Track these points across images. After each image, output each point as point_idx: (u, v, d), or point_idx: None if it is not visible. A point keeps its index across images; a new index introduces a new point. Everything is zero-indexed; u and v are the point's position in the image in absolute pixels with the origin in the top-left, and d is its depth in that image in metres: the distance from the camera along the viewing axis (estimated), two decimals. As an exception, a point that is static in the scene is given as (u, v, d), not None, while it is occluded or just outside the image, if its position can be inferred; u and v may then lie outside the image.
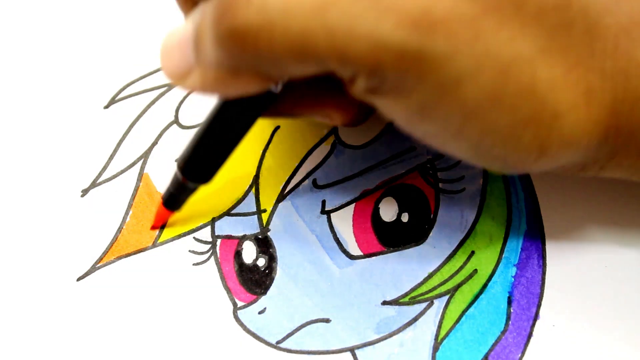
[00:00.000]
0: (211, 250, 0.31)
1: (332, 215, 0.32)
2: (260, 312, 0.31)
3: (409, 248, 0.31)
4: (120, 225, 0.32)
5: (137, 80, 0.33)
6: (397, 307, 0.31)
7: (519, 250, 0.31)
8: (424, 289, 0.31)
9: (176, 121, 0.33)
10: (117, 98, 0.33)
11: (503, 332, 0.30)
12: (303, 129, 0.32)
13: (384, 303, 0.31)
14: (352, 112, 0.26)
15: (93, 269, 0.32)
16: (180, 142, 0.32)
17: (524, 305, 0.30)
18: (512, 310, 0.30)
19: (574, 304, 0.30)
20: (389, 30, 0.19)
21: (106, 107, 0.33)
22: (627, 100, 0.23)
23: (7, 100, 0.33)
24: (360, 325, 0.31)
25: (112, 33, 0.34)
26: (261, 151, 0.32)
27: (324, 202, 0.32)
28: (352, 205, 0.32)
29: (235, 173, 0.32)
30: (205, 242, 0.32)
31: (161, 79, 0.33)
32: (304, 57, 0.20)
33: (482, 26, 0.20)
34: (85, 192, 0.32)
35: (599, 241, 0.31)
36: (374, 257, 0.31)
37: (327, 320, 0.31)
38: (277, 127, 0.32)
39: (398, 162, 0.32)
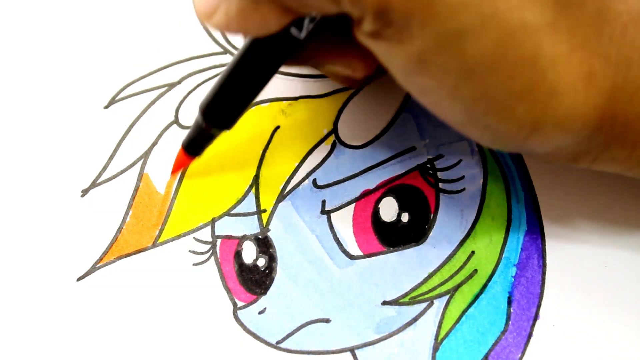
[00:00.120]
0: (211, 250, 0.31)
1: (332, 215, 0.32)
2: (260, 312, 0.31)
3: (409, 248, 0.31)
4: (120, 225, 0.32)
5: (137, 80, 0.33)
6: (397, 307, 0.31)
7: (519, 250, 0.31)
8: (424, 289, 0.31)
9: (176, 121, 0.33)
10: (117, 98, 0.33)
11: (503, 332, 0.30)
12: (303, 130, 0.32)
13: (384, 303, 0.31)
14: (373, 63, 0.26)
15: (93, 269, 0.31)
16: (180, 142, 0.32)
17: (524, 305, 0.30)
18: (512, 310, 0.30)
19: (574, 304, 0.30)
20: None
21: (106, 107, 0.33)
22: (627, 89, 0.23)
23: (7, 100, 0.33)
24: (360, 325, 0.31)
25: (112, 33, 0.34)
26: (261, 151, 0.32)
27: (324, 202, 0.32)
28: (352, 205, 0.32)
29: (235, 173, 0.32)
30: (205, 242, 0.32)
31: (161, 79, 0.33)
32: None
33: None
34: (85, 192, 0.32)
35: (599, 241, 0.31)
36: (374, 257, 0.31)
37: (327, 320, 0.31)
38: (277, 127, 0.32)
39: (398, 162, 0.32)
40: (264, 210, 0.32)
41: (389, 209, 0.31)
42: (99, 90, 0.33)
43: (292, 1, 0.22)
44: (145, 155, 0.32)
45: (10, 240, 0.32)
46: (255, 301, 0.31)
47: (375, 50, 0.23)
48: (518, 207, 0.31)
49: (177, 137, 0.33)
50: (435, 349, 0.30)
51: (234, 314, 0.31)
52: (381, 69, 0.26)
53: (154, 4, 0.34)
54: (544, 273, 0.31)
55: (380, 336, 0.30)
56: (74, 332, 0.31)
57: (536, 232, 0.31)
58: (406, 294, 0.31)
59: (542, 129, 0.22)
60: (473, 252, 0.31)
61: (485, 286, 0.31)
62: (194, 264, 0.31)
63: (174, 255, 0.31)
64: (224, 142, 0.32)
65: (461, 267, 0.31)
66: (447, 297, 0.31)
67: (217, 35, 0.33)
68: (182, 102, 0.33)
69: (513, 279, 0.31)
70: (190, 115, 0.33)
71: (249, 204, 0.32)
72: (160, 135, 0.33)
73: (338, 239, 0.31)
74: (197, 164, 0.32)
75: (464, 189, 0.31)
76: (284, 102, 0.33)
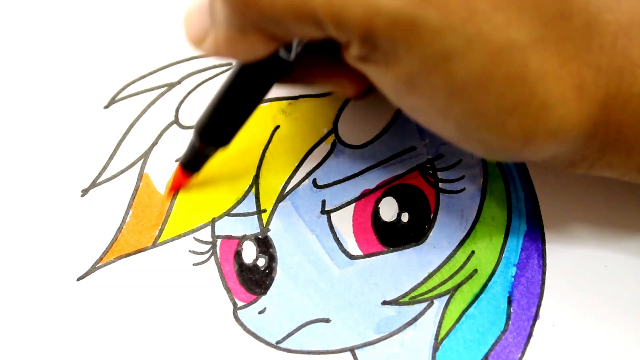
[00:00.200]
0: (211, 250, 0.31)
1: (332, 215, 0.32)
2: (260, 312, 0.31)
3: (409, 248, 0.31)
4: (120, 225, 0.32)
5: (137, 80, 0.33)
6: (397, 307, 0.31)
7: (519, 250, 0.31)
8: (424, 288, 0.31)
9: (176, 121, 0.33)
10: (117, 98, 0.33)
11: (503, 332, 0.30)
12: (303, 129, 0.32)
13: (384, 303, 0.31)
14: (364, 83, 0.27)
15: (93, 269, 0.32)
16: (180, 142, 0.32)
17: (524, 305, 0.30)
18: (512, 310, 0.30)
19: (574, 304, 0.30)
20: None
21: (106, 107, 0.33)
22: (620, 98, 0.23)
23: (7, 100, 0.33)
24: (360, 325, 0.31)
25: (112, 33, 0.34)
26: (261, 151, 0.32)
27: (324, 202, 0.32)
28: (352, 205, 0.32)
29: (235, 173, 0.32)
30: (206, 242, 0.32)
31: (161, 79, 0.33)
32: (302, 17, 0.21)
33: (478, 7, 0.20)
34: (85, 192, 0.32)
35: (599, 241, 0.31)
36: (374, 257, 0.31)
37: (327, 320, 0.31)
38: (277, 127, 0.32)
39: (398, 162, 0.32)
40: (264, 210, 0.32)
41: (389, 208, 0.31)
42: (99, 90, 0.33)
43: (278, 29, 0.22)
44: (145, 155, 0.32)
45: (10, 240, 0.32)
46: (255, 301, 0.31)
47: (365, 72, 0.23)
48: (518, 207, 0.31)
49: (177, 137, 0.33)
50: (435, 348, 0.30)
51: (234, 313, 0.31)
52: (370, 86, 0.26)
53: (154, 4, 0.34)
54: (544, 273, 0.31)
55: (380, 336, 0.30)
56: (74, 332, 0.31)
57: (536, 232, 0.31)
58: (406, 294, 0.31)
59: (535, 141, 0.23)
60: (473, 252, 0.31)
61: (485, 286, 0.31)
62: (194, 264, 0.31)
63: (174, 255, 0.31)
64: (224, 142, 0.32)
65: (461, 267, 0.31)
66: (447, 297, 0.31)
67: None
68: (182, 102, 0.33)
69: (513, 279, 0.31)
70: (191, 115, 0.33)
71: (249, 204, 0.32)
72: (160, 135, 0.33)
73: (338, 238, 0.31)
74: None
75: (464, 189, 0.31)
76: (284, 101, 0.33)
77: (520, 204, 0.31)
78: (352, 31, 0.21)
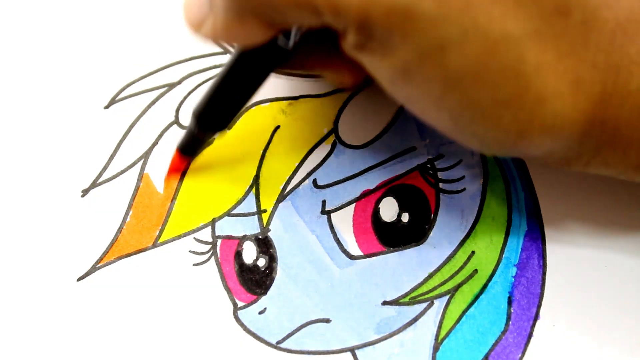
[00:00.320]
0: (211, 251, 0.31)
1: (332, 215, 0.32)
2: (260, 312, 0.31)
3: (409, 248, 0.31)
4: (121, 225, 0.32)
5: (137, 80, 0.33)
6: (397, 307, 0.31)
7: (519, 250, 0.31)
8: (424, 289, 0.31)
9: (176, 121, 0.33)
10: (117, 98, 0.33)
11: (503, 332, 0.30)
12: (303, 129, 0.32)
13: (384, 303, 0.31)
14: (362, 72, 0.27)
15: (93, 269, 0.32)
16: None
17: (524, 305, 0.30)
18: (512, 311, 0.30)
19: (574, 304, 0.30)
20: None
21: (106, 107, 0.33)
22: (616, 95, 0.23)
23: (7, 100, 0.33)
24: (361, 325, 0.31)
25: (112, 33, 0.34)
26: (261, 151, 0.32)
27: (324, 202, 0.32)
28: (352, 205, 0.32)
29: (235, 173, 0.32)
30: (206, 243, 0.32)
31: (161, 79, 0.33)
32: (300, 5, 0.21)
33: None
34: (85, 192, 0.32)
35: (599, 241, 0.31)
36: (374, 257, 0.31)
37: (327, 321, 0.31)
38: (277, 127, 0.32)
39: (398, 162, 0.32)
40: (264, 211, 0.32)
41: (389, 209, 0.31)
42: (99, 90, 0.33)
43: (275, 15, 0.22)
44: (146, 155, 0.32)
45: (10, 240, 0.32)
46: (255, 301, 0.31)
47: (361, 61, 0.23)
48: (518, 207, 0.31)
49: (177, 137, 0.32)
50: (436, 349, 0.30)
51: (234, 314, 0.31)
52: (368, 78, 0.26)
53: (154, 4, 0.34)
54: (544, 273, 0.31)
55: (380, 336, 0.30)
56: (74, 332, 0.31)
57: (536, 232, 0.31)
58: (406, 294, 0.31)
59: (529, 135, 0.23)
60: (473, 252, 0.31)
61: (485, 286, 0.31)
62: (194, 264, 0.31)
63: (174, 256, 0.31)
64: (224, 142, 0.32)
65: (461, 267, 0.31)
66: (447, 297, 0.31)
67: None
68: (182, 102, 0.33)
69: (513, 279, 0.31)
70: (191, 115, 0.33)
71: (249, 204, 0.32)
72: (160, 135, 0.33)
73: (338, 239, 0.31)
74: (197, 164, 0.32)
75: (464, 189, 0.31)
76: (284, 101, 0.33)
77: (520, 204, 0.31)
78: (348, 19, 0.21)
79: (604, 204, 0.31)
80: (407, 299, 0.31)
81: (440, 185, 0.31)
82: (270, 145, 0.32)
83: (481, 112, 0.22)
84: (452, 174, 0.32)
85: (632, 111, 0.23)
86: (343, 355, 0.30)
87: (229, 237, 0.32)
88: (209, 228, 0.32)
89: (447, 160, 0.32)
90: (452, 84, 0.21)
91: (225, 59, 0.33)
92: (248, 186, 0.32)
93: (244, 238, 0.32)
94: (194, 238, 0.32)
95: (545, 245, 0.31)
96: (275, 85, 0.33)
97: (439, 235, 0.31)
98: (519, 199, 0.31)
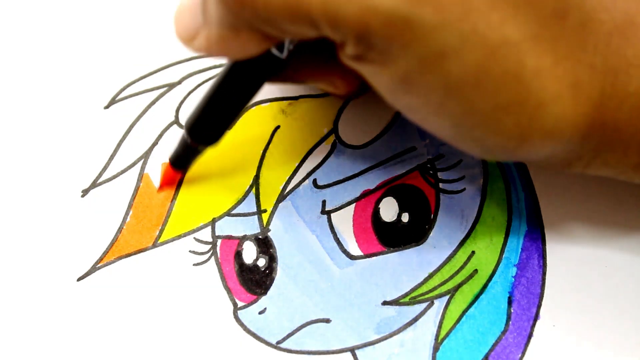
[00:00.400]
0: (211, 251, 0.31)
1: (332, 215, 0.32)
2: (260, 312, 0.31)
3: (409, 248, 0.31)
4: (121, 225, 0.32)
5: (137, 80, 0.33)
6: (397, 307, 0.31)
7: (519, 250, 0.31)
8: (424, 289, 0.31)
9: (176, 121, 0.33)
10: (117, 98, 0.33)
11: (503, 332, 0.30)
12: (303, 129, 0.32)
13: (384, 303, 0.31)
14: (355, 82, 0.27)
15: (93, 269, 0.31)
16: (180, 142, 0.32)
17: (524, 305, 0.30)
18: (512, 310, 0.30)
19: (574, 304, 0.30)
20: None
21: (106, 107, 0.33)
22: (615, 97, 0.23)
23: (8, 100, 0.33)
24: (361, 325, 0.31)
25: (112, 33, 0.34)
26: (261, 151, 0.32)
27: (324, 202, 0.32)
28: (352, 205, 0.32)
29: (236, 173, 0.32)
30: (206, 243, 0.32)
31: (161, 79, 0.33)
32: (297, 17, 0.21)
33: (473, 5, 0.20)
34: (85, 192, 0.32)
35: (599, 241, 0.31)
36: (374, 257, 0.31)
37: (327, 320, 0.31)
38: (277, 127, 0.32)
39: (398, 162, 0.32)
40: (264, 211, 0.32)
41: (389, 209, 0.31)
42: (99, 90, 0.33)
43: (272, 29, 0.22)
44: (146, 155, 0.32)
45: (10, 240, 0.32)
46: (255, 301, 0.31)
47: (360, 71, 0.23)
48: (518, 207, 0.31)
49: (177, 137, 0.32)
50: (436, 349, 0.30)
51: (234, 314, 0.31)
52: (368, 84, 0.26)
53: (154, 4, 0.34)
54: (544, 273, 0.31)
55: (380, 336, 0.30)
56: (74, 332, 0.31)
57: (536, 233, 0.31)
58: (406, 294, 0.31)
59: (530, 140, 0.23)
60: (473, 252, 0.31)
61: (485, 286, 0.31)
62: (194, 264, 0.31)
63: (174, 256, 0.31)
64: (224, 142, 0.32)
65: (461, 267, 0.31)
66: (447, 297, 0.31)
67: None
68: (182, 102, 0.33)
69: (513, 279, 0.31)
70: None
71: (249, 204, 0.32)
72: (160, 135, 0.33)
73: (338, 239, 0.31)
74: (197, 164, 0.32)
75: (464, 189, 0.31)
76: (284, 101, 0.33)
77: (520, 204, 0.31)
78: (347, 31, 0.21)
79: (604, 204, 0.31)
80: (407, 299, 0.31)
81: (440, 185, 0.31)
82: (270, 145, 0.32)
83: (482, 118, 0.22)
84: (452, 174, 0.32)
85: (631, 112, 0.23)
86: (343, 355, 0.30)
87: (229, 237, 0.32)
88: (209, 228, 0.32)
89: (447, 160, 0.32)
90: (453, 91, 0.21)
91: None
92: (248, 186, 0.32)
93: (244, 238, 0.32)
94: (194, 238, 0.32)
95: (545, 245, 0.31)
96: (275, 85, 0.33)
97: (439, 235, 0.31)
98: (519, 199, 0.31)
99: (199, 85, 0.33)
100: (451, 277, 0.31)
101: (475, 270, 0.31)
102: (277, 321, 0.31)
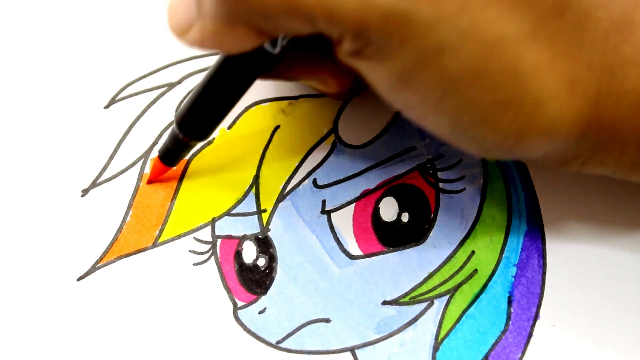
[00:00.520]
0: (211, 250, 0.31)
1: (332, 215, 0.32)
2: (260, 312, 0.31)
3: (409, 248, 0.31)
4: (121, 225, 0.32)
5: (137, 80, 0.33)
6: (397, 307, 0.31)
7: (519, 250, 0.31)
8: (424, 288, 0.31)
9: (176, 121, 0.33)
10: (117, 98, 0.33)
11: (503, 332, 0.30)
12: (303, 129, 0.32)
13: (384, 303, 0.31)
14: (347, 81, 0.27)
15: (93, 269, 0.31)
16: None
17: (524, 305, 0.30)
18: (512, 310, 0.30)
19: (574, 304, 0.30)
20: None
21: (106, 107, 0.33)
22: (612, 95, 0.23)
23: (8, 100, 0.33)
24: (361, 325, 0.31)
25: (112, 33, 0.34)
26: (261, 151, 0.32)
27: (324, 202, 0.32)
28: (352, 205, 0.32)
29: (236, 173, 0.32)
30: (206, 242, 0.32)
31: (161, 79, 0.33)
32: (294, 13, 0.21)
33: (470, 0, 0.20)
34: (85, 192, 0.32)
35: (599, 241, 0.31)
36: (374, 257, 0.31)
37: (327, 320, 0.31)
38: (277, 127, 0.32)
39: (398, 162, 0.32)
40: (264, 210, 0.32)
41: (389, 208, 0.31)
42: (99, 90, 0.33)
43: (267, 23, 0.22)
44: (145, 155, 0.32)
45: (10, 240, 0.32)
46: (255, 301, 0.31)
47: (358, 68, 0.23)
48: (518, 207, 0.31)
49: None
50: (436, 348, 0.30)
51: (234, 313, 0.31)
52: (360, 85, 0.26)
53: (154, 4, 0.34)
54: (544, 273, 0.31)
55: (380, 336, 0.30)
56: (74, 332, 0.31)
57: (536, 232, 0.31)
58: (406, 294, 0.31)
59: (528, 138, 0.23)
60: (473, 252, 0.31)
61: (485, 286, 0.31)
62: (194, 264, 0.31)
63: (174, 255, 0.31)
64: (224, 142, 0.32)
65: (461, 267, 0.31)
66: (447, 297, 0.31)
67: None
68: (182, 102, 0.33)
69: (513, 279, 0.31)
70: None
71: (249, 204, 0.32)
72: (160, 135, 0.33)
73: (338, 238, 0.31)
74: (197, 164, 0.32)
75: (464, 189, 0.31)
76: (284, 101, 0.33)
77: (520, 204, 0.31)
78: (344, 27, 0.21)
79: (604, 204, 0.31)
80: (407, 299, 0.31)
81: (440, 185, 0.32)
82: (270, 145, 0.32)
83: (480, 115, 0.22)
84: (452, 174, 0.32)
85: (628, 111, 0.23)
86: (343, 355, 0.30)
87: (229, 237, 0.32)
88: (209, 228, 0.32)
89: (447, 160, 0.32)
90: (451, 88, 0.21)
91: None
92: (248, 186, 0.32)
93: (244, 238, 0.32)
94: (194, 238, 0.32)
95: (545, 245, 0.31)
96: (275, 85, 0.33)
97: (439, 235, 0.31)
98: (519, 198, 0.31)
99: (199, 85, 0.33)
100: (451, 277, 0.31)
101: (475, 270, 0.31)
102: (277, 321, 0.31)
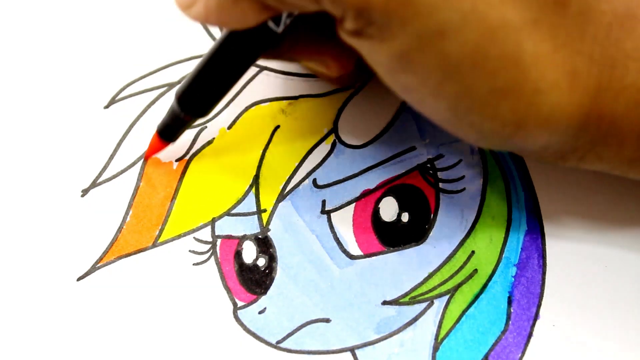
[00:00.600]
0: (211, 250, 0.31)
1: (332, 215, 0.32)
2: (260, 312, 0.31)
3: (409, 248, 0.31)
4: (121, 225, 0.32)
5: (137, 80, 0.33)
6: (397, 307, 0.31)
7: (519, 250, 0.31)
8: (424, 288, 0.31)
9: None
10: (117, 98, 0.33)
11: (503, 332, 0.30)
12: (303, 129, 0.32)
13: (384, 303, 0.31)
14: (349, 64, 0.27)
15: (93, 269, 0.31)
16: (180, 141, 0.32)
17: (524, 305, 0.30)
18: (512, 310, 0.30)
19: (574, 304, 0.30)
20: None
21: (106, 107, 0.33)
22: (612, 89, 0.23)
23: (8, 100, 0.33)
24: (360, 325, 0.31)
25: (112, 33, 0.34)
26: (261, 151, 0.32)
27: (324, 202, 0.32)
28: (352, 205, 0.32)
29: (235, 173, 0.32)
30: (206, 242, 0.31)
31: (161, 79, 0.33)
32: None
33: None
34: (85, 192, 0.32)
35: (599, 241, 0.31)
36: (374, 257, 0.31)
37: (327, 320, 0.31)
38: (277, 127, 0.32)
39: (398, 162, 0.32)
40: (264, 210, 0.32)
41: (389, 208, 0.31)
42: (99, 90, 0.33)
43: (274, 1, 0.22)
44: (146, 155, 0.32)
45: (10, 240, 0.32)
46: (255, 301, 0.31)
47: (359, 48, 0.23)
48: (518, 207, 0.31)
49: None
50: (436, 348, 0.30)
51: (234, 313, 0.31)
52: (365, 72, 0.26)
53: (154, 4, 0.34)
54: (544, 273, 0.31)
55: (380, 336, 0.30)
56: (74, 332, 0.31)
57: (536, 232, 0.31)
58: (406, 294, 0.31)
59: (526, 127, 0.22)
60: (473, 252, 0.31)
61: (485, 286, 0.31)
62: (194, 264, 0.31)
63: (174, 255, 0.31)
64: (224, 142, 0.32)
65: (461, 267, 0.31)
66: (447, 297, 0.31)
67: (217, 33, 0.33)
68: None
69: (513, 279, 0.31)
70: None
71: (249, 204, 0.32)
72: (160, 135, 0.33)
73: (338, 238, 0.31)
74: (197, 164, 0.32)
75: (464, 189, 0.31)
76: (284, 101, 0.33)
77: (520, 203, 0.31)
78: (347, 5, 0.21)
79: (604, 203, 0.31)
80: (407, 299, 0.31)
81: (440, 185, 0.31)
82: (270, 145, 0.32)
83: (479, 101, 0.22)
84: (452, 173, 0.32)
85: (627, 106, 0.23)
86: (343, 355, 0.30)
87: (229, 237, 0.32)
88: (209, 228, 0.32)
89: (447, 160, 0.32)
90: (451, 71, 0.21)
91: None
92: (248, 186, 0.32)
93: (244, 238, 0.32)
94: (194, 238, 0.32)
95: (545, 244, 0.31)
96: (275, 85, 0.33)
97: (439, 235, 0.31)
98: (519, 198, 0.31)
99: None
100: (451, 277, 0.31)
101: (475, 270, 0.31)
102: (277, 321, 0.31)
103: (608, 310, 0.30)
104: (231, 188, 0.32)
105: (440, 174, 0.32)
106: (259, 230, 0.31)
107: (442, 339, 0.30)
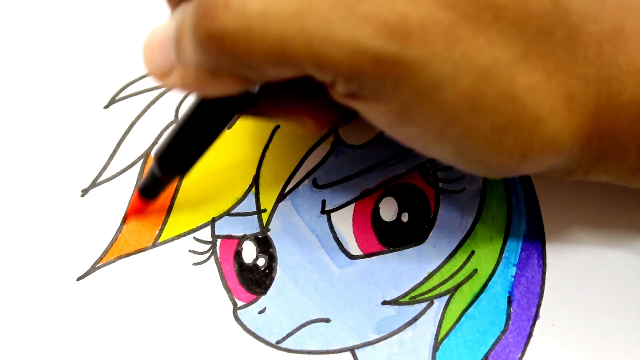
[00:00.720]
0: (211, 250, 0.31)
1: (332, 215, 0.32)
2: (260, 312, 0.31)
3: (409, 248, 0.31)
4: (121, 225, 0.32)
5: (137, 80, 0.33)
6: (397, 307, 0.31)
7: (519, 250, 0.31)
8: (424, 288, 0.31)
9: (176, 121, 0.33)
10: (117, 98, 0.33)
11: (503, 332, 0.30)
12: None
13: (384, 303, 0.31)
14: (326, 122, 0.27)
15: (93, 268, 0.32)
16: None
17: (524, 305, 0.30)
18: (512, 310, 0.30)
19: (574, 304, 0.30)
20: (366, 36, 0.20)
21: (106, 107, 0.33)
22: (611, 106, 0.23)
23: (8, 100, 0.33)
24: (360, 325, 0.31)
25: (112, 33, 0.34)
26: (261, 151, 0.32)
27: (324, 202, 0.32)
28: (352, 205, 0.32)
29: (235, 173, 0.32)
30: (205, 242, 0.32)
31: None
32: (282, 62, 0.20)
33: (459, 33, 0.20)
34: (85, 192, 0.32)
35: (599, 241, 0.31)
36: (374, 257, 0.31)
37: (327, 320, 0.31)
38: (277, 127, 0.32)
39: (398, 162, 0.32)
40: (264, 210, 0.32)
41: (389, 208, 0.31)
42: (99, 90, 0.33)
43: (253, 73, 0.22)
44: (146, 155, 0.33)
45: (10, 240, 0.32)
46: (255, 301, 0.31)
47: (354, 108, 0.23)
48: (518, 207, 0.31)
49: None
50: (435, 348, 0.30)
51: (234, 313, 0.31)
52: (347, 117, 0.26)
53: (154, 4, 0.34)
54: (544, 273, 0.31)
55: (380, 336, 0.30)
56: (74, 332, 0.31)
57: (536, 232, 0.31)
58: (406, 294, 0.31)
59: (531, 155, 0.23)
60: (473, 252, 0.31)
61: (485, 286, 0.31)
62: (194, 264, 0.31)
63: (174, 255, 0.31)
64: (224, 142, 0.32)
65: (461, 267, 0.31)
66: (447, 296, 0.31)
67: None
68: (182, 102, 0.33)
69: (513, 279, 0.31)
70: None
71: (249, 204, 0.32)
72: (160, 135, 0.33)
73: (338, 238, 0.31)
74: (197, 164, 0.32)
75: (464, 189, 0.31)
76: (284, 102, 0.33)
77: (520, 204, 0.31)
78: (336, 73, 0.20)
79: (603, 203, 0.31)
80: (406, 299, 0.31)
81: (440, 185, 0.32)
82: (270, 145, 0.32)
83: (483, 139, 0.22)
84: (452, 173, 0.32)
85: (628, 120, 0.23)
86: (343, 355, 0.30)
87: (229, 237, 0.32)
88: (209, 227, 0.32)
89: (446, 160, 0.32)
90: (451, 118, 0.21)
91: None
92: (248, 186, 0.32)
93: (244, 237, 0.32)
94: (194, 237, 0.32)
95: (545, 245, 0.31)
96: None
97: (439, 235, 0.31)
98: (519, 198, 0.31)
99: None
100: (451, 277, 0.31)
101: (475, 270, 0.31)
102: (276, 321, 0.31)
103: (608, 310, 0.30)
104: (231, 188, 0.32)
105: (440, 174, 0.32)
106: (258, 230, 0.32)
107: (442, 339, 0.30)
